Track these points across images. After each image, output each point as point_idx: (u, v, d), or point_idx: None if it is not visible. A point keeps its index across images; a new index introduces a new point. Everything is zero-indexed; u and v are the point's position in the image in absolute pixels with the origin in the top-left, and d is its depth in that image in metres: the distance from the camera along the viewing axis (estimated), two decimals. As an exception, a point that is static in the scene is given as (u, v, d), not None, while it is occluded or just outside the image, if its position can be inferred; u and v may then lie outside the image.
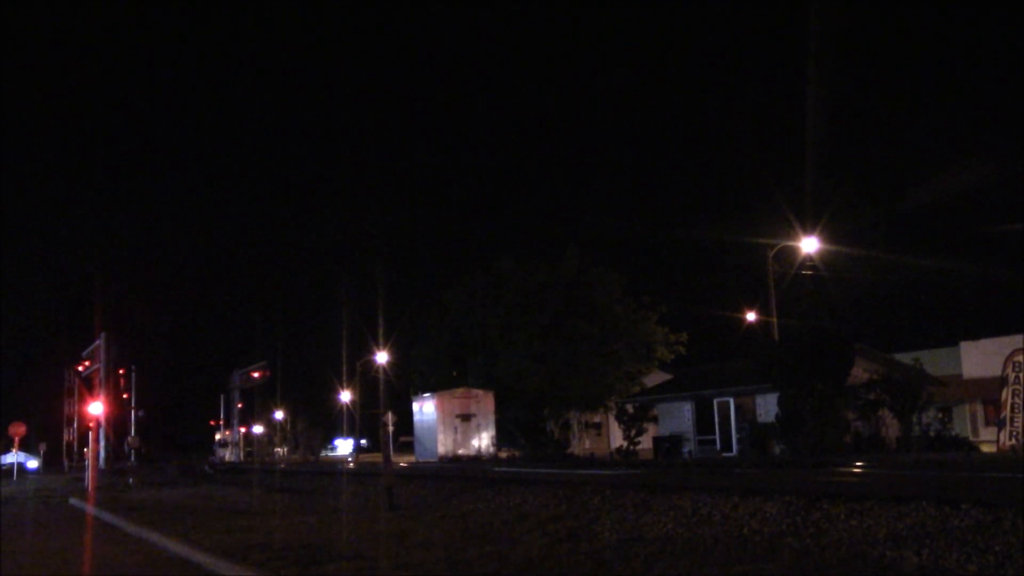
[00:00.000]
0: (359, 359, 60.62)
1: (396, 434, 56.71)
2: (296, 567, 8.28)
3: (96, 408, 31.88)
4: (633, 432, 33.86)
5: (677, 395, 37.97)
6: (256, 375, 74.31)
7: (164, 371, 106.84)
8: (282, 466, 42.85)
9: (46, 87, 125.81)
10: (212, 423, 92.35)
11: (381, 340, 54.27)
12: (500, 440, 41.18)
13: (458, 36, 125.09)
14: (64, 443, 65.59)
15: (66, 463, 62.48)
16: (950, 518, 7.74)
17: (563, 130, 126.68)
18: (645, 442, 35.61)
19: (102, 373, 33.75)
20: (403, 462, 39.43)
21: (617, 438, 39.37)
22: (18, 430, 41.35)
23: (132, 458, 61.77)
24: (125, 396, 67.90)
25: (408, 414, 45.61)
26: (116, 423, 60.10)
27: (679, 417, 36.75)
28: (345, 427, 71.26)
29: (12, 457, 54.02)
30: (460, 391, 41.56)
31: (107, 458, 54.22)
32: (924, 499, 8.33)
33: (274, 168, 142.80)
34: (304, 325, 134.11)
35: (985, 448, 29.06)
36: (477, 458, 37.76)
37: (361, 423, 66.48)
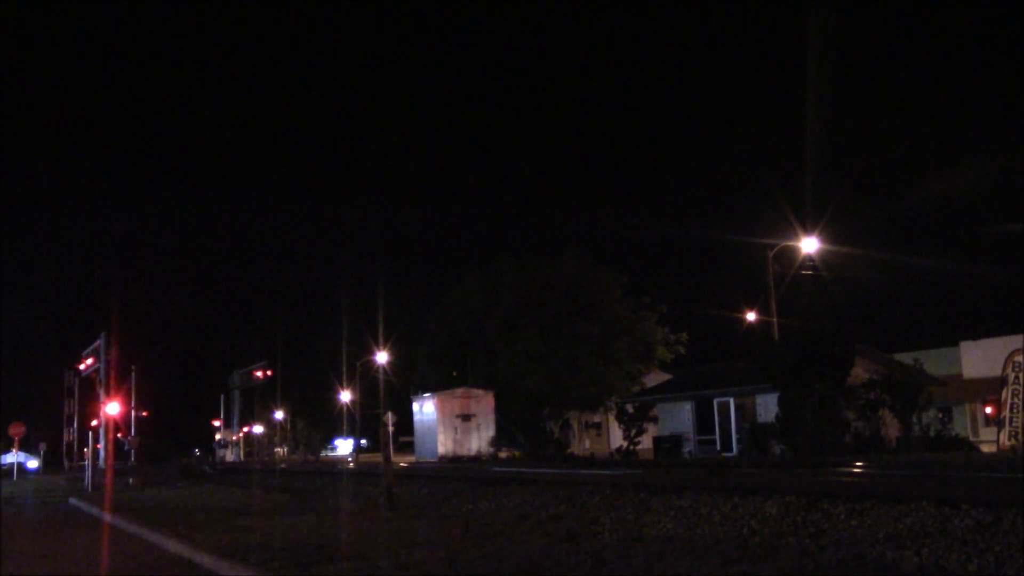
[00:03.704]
0: (359, 359, 60.67)
1: (396, 434, 56.71)
2: (296, 567, 8.28)
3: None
4: (633, 432, 33.82)
5: (677, 395, 37.93)
6: (256, 375, 74.32)
7: (164, 371, 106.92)
8: (282, 466, 42.84)
9: (47, 88, 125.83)
10: (212, 423, 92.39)
11: (381, 340, 54.32)
12: (500, 440, 41.17)
13: (459, 36, 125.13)
14: (64, 443, 65.54)
15: (66, 463, 62.46)
16: (950, 518, 7.74)
17: (563, 130, 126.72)
18: (645, 442, 35.58)
19: (102, 373, 33.70)
20: (403, 462, 39.41)
21: (617, 438, 39.36)
22: (18, 430, 41.34)
23: (132, 458, 61.74)
24: (123, 396, 67.80)
25: (408, 414, 45.61)
26: (116, 423, 59.96)
27: (679, 417, 36.72)
28: (345, 427, 71.29)
29: (12, 457, 54.06)
30: (460, 391, 41.56)
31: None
32: (924, 499, 8.32)
33: (274, 168, 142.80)
34: (304, 325, 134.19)
35: (985, 448, 29.05)
36: (477, 458, 37.76)
37: (361, 423, 66.50)
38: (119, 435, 67.30)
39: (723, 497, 10.17)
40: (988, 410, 36.66)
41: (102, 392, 32.27)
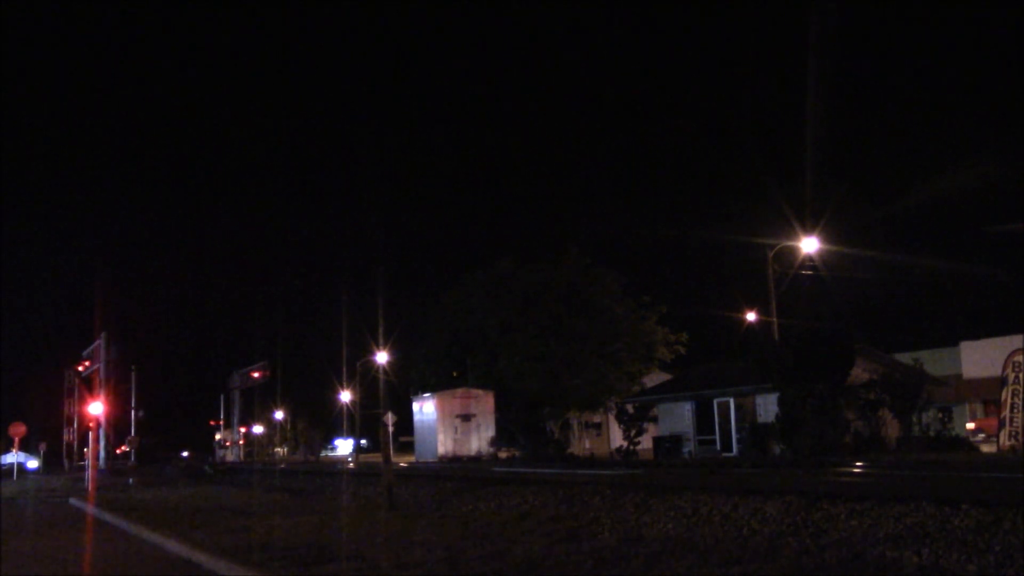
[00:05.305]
0: (359, 359, 60.61)
1: (396, 434, 56.68)
2: (296, 567, 8.28)
3: (96, 408, 31.86)
4: (633, 432, 33.82)
5: (677, 395, 37.92)
6: (256, 375, 74.27)
7: (164, 371, 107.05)
8: (282, 466, 42.82)
9: (47, 89, 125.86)
10: (212, 423, 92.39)
11: (381, 340, 54.25)
12: (500, 440, 41.17)
13: (459, 37, 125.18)
14: (64, 443, 65.57)
15: (66, 463, 62.48)
16: (950, 518, 7.74)
17: (564, 130, 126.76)
18: (645, 442, 35.57)
19: (102, 373, 33.71)
20: (403, 462, 39.42)
21: (617, 438, 39.34)
22: (18, 430, 41.32)
23: (132, 458, 61.76)
24: (123, 396, 67.86)
25: (408, 414, 45.60)
26: (116, 423, 60.08)
27: (679, 417, 36.71)
28: (345, 427, 71.26)
29: (12, 457, 54.03)
30: (460, 391, 41.54)
31: (107, 458, 54.22)
32: (924, 499, 8.33)
33: (275, 169, 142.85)
34: (304, 325, 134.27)
35: (985, 448, 29.05)
36: (477, 458, 37.75)
37: (361, 423, 66.44)
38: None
39: (723, 497, 10.17)
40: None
41: (102, 392, 32.31)
